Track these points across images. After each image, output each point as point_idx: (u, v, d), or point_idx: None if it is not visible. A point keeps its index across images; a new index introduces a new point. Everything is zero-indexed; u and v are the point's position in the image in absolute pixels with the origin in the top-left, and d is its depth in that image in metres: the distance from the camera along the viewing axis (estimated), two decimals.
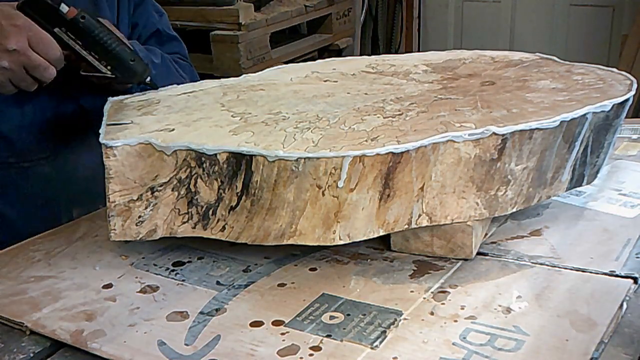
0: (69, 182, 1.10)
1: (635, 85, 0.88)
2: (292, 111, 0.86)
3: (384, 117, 0.82)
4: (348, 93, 0.94)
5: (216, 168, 0.76)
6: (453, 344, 0.64)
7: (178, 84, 1.05)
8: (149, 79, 1.00)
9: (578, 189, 0.90)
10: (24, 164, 1.07)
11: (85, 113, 1.10)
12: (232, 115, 0.86)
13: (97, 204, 0.99)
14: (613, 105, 0.82)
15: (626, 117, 0.89)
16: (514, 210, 0.80)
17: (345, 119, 0.82)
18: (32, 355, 0.68)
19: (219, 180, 0.77)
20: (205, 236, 0.79)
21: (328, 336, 0.66)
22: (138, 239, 0.80)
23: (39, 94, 0.97)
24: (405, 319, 0.68)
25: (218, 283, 0.77)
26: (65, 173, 1.10)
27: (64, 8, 0.93)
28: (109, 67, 0.97)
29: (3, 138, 1.04)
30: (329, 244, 0.75)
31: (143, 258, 0.84)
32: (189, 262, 0.83)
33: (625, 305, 0.68)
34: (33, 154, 1.07)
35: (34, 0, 0.92)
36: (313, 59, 2.22)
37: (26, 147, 1.06)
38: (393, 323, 0.68)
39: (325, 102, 0.89)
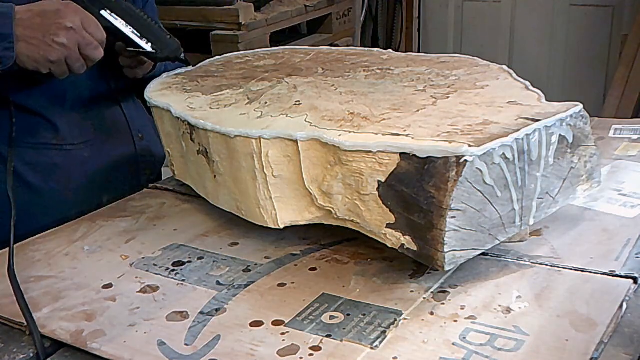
0: (103, 168, 1.13)
1: None
2: None
3: None
4: None
5: None
6: (453, 344, 0.64)
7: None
8: (182, 55, 1.08)
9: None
10: (66, 147, 1.10)
11: (114, 93, 1.16)
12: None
13: (124, 191, 1.06)
14: None
15: (626, 117, 0.89)
16: None
17: None
18: (32, 355, 0.68)
19: None
20: None
21: (328, 336, 0.66)
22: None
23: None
24: (405, 319, 0.68)
25: (218, 283, 0.77)
26: (100, 159, 1.13)
27: None
28: (150, 44, 1.05)
29: (48, 121, 1.08)
30: None
31: (143, 258, 0.84)
32: (189, 262, 0.83)
33: (625, 305, 0.68)
34: (75, 139, 1.10)
35: None
36: None
37: (69, 131, 1.10)
38: (393, 323, 0.68)
39: None
